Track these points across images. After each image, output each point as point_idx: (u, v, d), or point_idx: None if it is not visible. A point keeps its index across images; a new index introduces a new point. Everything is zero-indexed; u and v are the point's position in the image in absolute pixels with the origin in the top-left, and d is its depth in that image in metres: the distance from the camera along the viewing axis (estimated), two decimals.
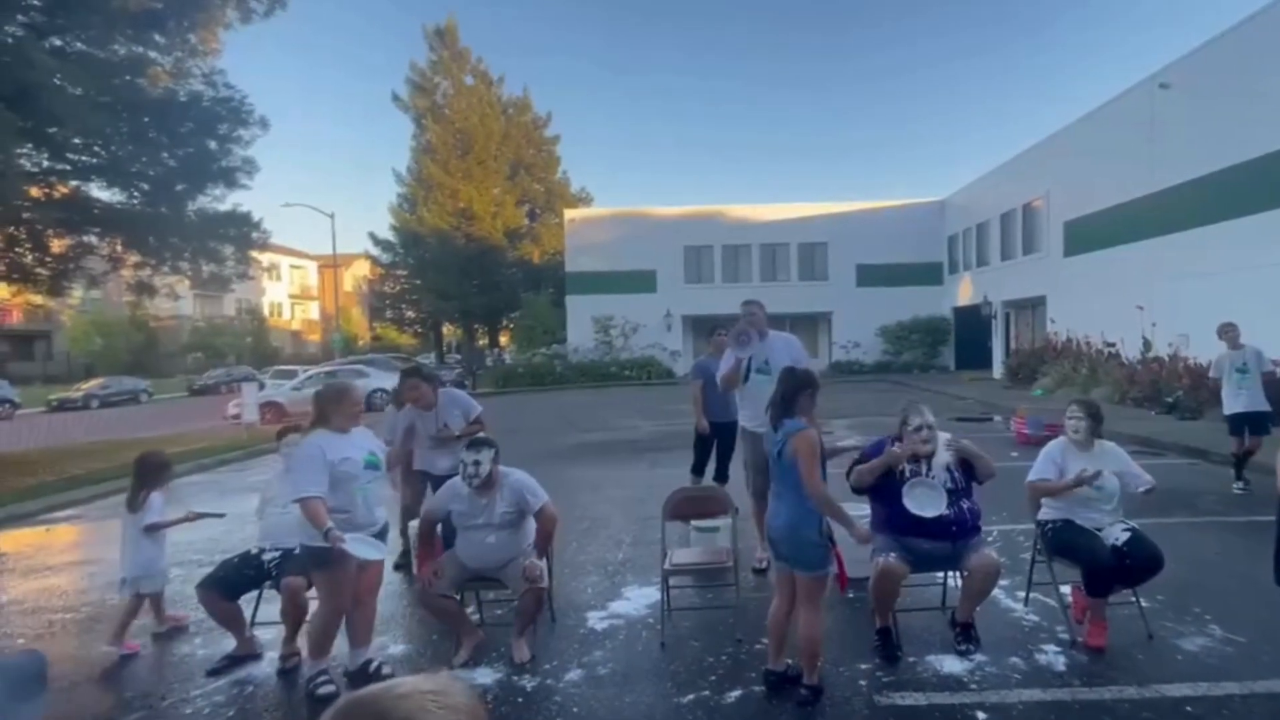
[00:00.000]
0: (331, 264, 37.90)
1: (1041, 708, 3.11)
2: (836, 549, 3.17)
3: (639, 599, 4.57)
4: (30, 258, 11.66)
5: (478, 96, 34.21)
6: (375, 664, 3.65)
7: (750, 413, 4.81)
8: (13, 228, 11.03)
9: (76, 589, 5.39)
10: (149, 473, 4.18)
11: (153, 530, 4.10)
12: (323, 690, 3.37)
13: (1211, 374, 7.18)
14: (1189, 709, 3.05)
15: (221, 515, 4.88)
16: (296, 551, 3.73)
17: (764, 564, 4.77)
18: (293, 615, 3.73)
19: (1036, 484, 3.84)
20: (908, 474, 3.64)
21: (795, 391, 3.24)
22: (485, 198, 33.46)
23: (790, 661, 3.33)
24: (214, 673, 3.68)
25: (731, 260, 27.73)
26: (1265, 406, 6.60)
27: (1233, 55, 12.41)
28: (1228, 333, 6.73)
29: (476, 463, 3.63)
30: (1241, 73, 12.07)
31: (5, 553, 6.79)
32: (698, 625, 4.13)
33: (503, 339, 38.11)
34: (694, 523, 4.77)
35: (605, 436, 12.73)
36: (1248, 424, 6.59)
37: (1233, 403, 6.69)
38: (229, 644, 3.90)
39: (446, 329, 40.32)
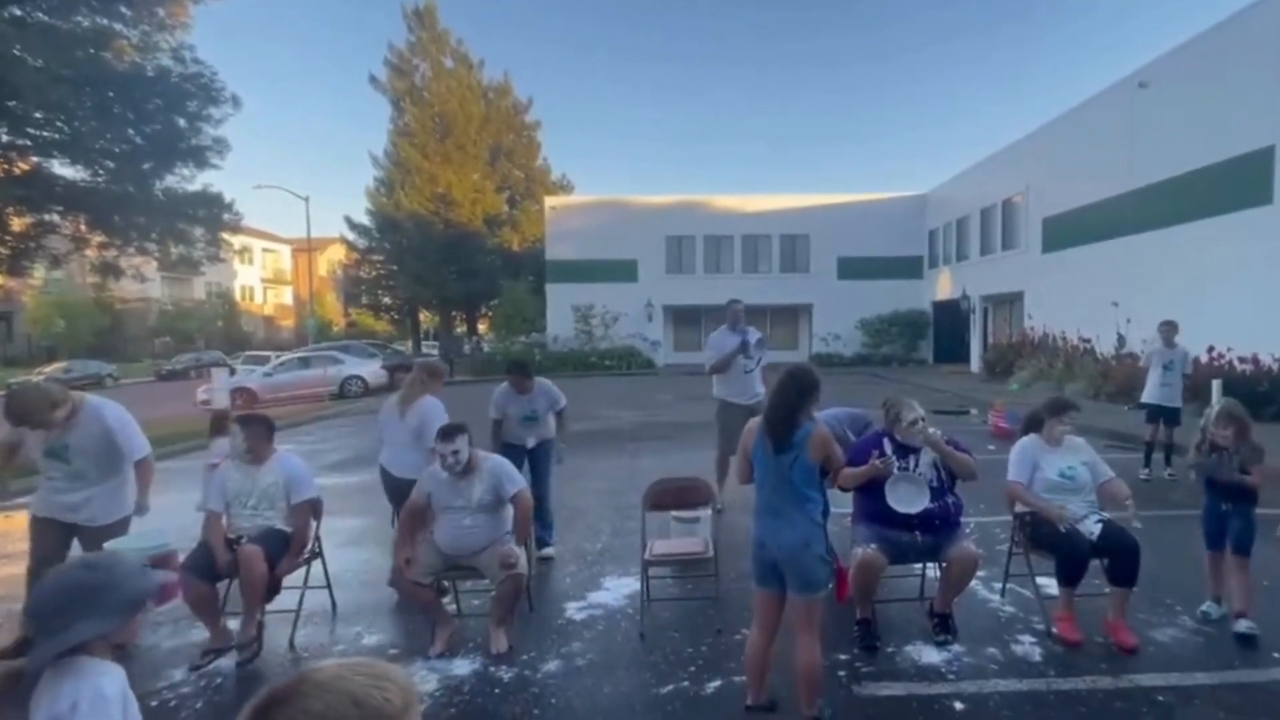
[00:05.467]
0: (306, 248, 37.27)
1: (1018, 698, 3.13)
2: (839, 562, 3.01)
3: (618, 589, 4.54)
4: None
5: (457, 80, 33.65)
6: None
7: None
8: None
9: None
10: None
11: None
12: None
13: (1142, 363, 7.81)
14: (1160, 699, 3.10)
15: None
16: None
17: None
18: (250, 584, 3.58)
19: (1016, 490, 3.88)
20: (894, 469, 3.63)
21: (805, 395, 2.99)
22: (464, 183, 33.01)
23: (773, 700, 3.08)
24: (196, 668, 3.52)
25: (713, 251, 27.69)
26: (1178, 404, 7.29)
27: (1211, 56, 12.57)
28: (1165, 331, 7.38)
29: (455, 452, 3.66)
30: (1219, 73, 12.23)
31: None
32: (677, 616, 4.10)
33: (481, 327, 37.78)
34: (674, 513, 4.74)
35: (586, 426, 12.64)
36: (1162, 416, 7.25)
37: (1152, 394, 7.32)
38: (196, 635, 3.76)
39: (424, 316, 39.83)
